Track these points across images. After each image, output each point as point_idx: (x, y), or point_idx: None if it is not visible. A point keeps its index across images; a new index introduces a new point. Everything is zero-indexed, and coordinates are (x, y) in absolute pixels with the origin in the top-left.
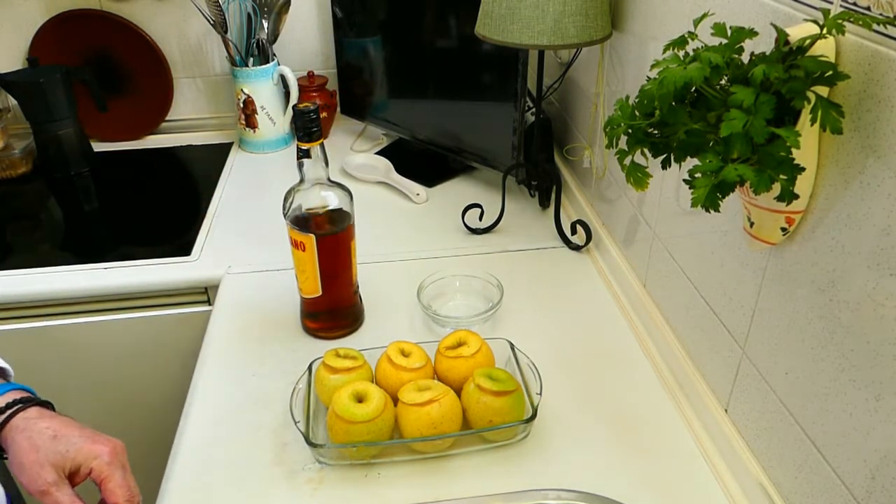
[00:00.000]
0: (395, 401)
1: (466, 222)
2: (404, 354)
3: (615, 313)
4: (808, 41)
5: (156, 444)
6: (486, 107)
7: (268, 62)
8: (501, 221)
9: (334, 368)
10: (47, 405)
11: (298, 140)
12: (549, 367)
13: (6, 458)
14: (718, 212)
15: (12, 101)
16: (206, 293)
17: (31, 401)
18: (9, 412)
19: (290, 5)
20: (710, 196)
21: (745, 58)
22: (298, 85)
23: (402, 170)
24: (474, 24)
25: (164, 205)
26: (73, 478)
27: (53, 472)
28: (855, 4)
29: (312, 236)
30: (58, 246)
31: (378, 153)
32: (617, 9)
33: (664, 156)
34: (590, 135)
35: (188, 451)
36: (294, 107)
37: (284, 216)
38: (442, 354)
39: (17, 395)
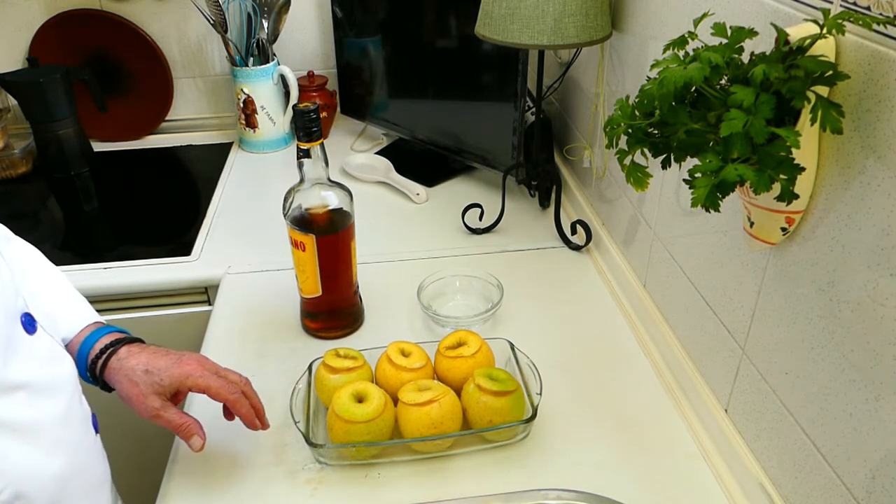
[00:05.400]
0: (395, 401)
1: (466, 222)
2: (404, 354)
3: (615, 313)
4: (808, 41)
5: (156, 443)
6: (486, 107)
7: (268, 62)
8: (501, 221)
9: (334, 368)
10: (137, 341)
11: (298, 140)
12: (549, 367)
13: (112, 391)
14: (718, 212)
15: (12, 101)
16: (206, 293)
17: (120, 342)
18: (104, 357)
19: (290, 5)
20: (710, 196)
21: (745, 58)
22: (298, 85)
23: (402, 170)
24: (474, 24)
25: (164, 205)
26: (176, 397)
27: (157, 399)
28: (855, 4)
29: (312, 236)
30: (58, 246)
31: (378, 153)
32: (617, 9)
33: (664, 156)
34: (590, 135)
35: (188, 451)
36: (294, 107)
37: (284, 216)
38: (442, 354)
39: (109, 338)
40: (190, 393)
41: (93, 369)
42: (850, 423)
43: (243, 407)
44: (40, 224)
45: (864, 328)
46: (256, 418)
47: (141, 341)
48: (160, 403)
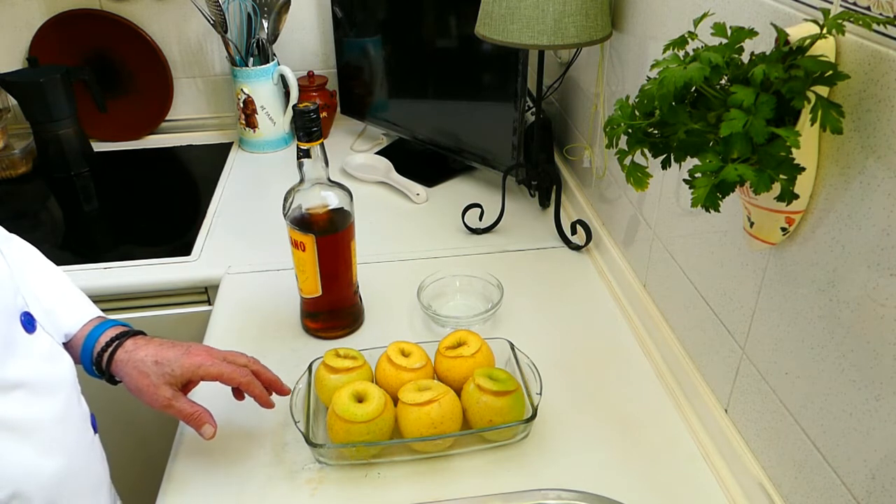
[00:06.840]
0: (395, 401)
1: (466, 222)
2: (404, 354)
3: (615, 313)
4: (808, 41)
5: (155, 443)
6: (486, 107)
7: (268, 62)
8: (501, 221)
9: (334, 368)
10: (140, 334)
11: (298, 140)
12: (549, 367)
13: (119, 383)
14: (718, 212)
15: (12, 101)
16: (206, 293)
17: (125, 335)
18: (110, 349)
19: (290, 5)
20: (710, 196)
21: (745, 58)
22: (298, 85)
23: (402, 170)
24: (474, 24)
25: (164, 205)
26: (185, 388)
27: (168, 388)
28: (855, 4)
29: (312, 236)
30: (57, 246)
31: (378, 153)
32: (617, 9)
33: (664, 156)
34: (590, 135)
35: (188, 450)
36: (294, 107)
37: (284, 216)
38: (442, 354)
39: (114, 332)
40: (192, 392)
41: (98, 363)
42: (850, 423)
43: (256, 388)
44: (40, 224)
45: (864, 328)
46: (272, 394)
47: (144, 334)
48: (171, 393)
